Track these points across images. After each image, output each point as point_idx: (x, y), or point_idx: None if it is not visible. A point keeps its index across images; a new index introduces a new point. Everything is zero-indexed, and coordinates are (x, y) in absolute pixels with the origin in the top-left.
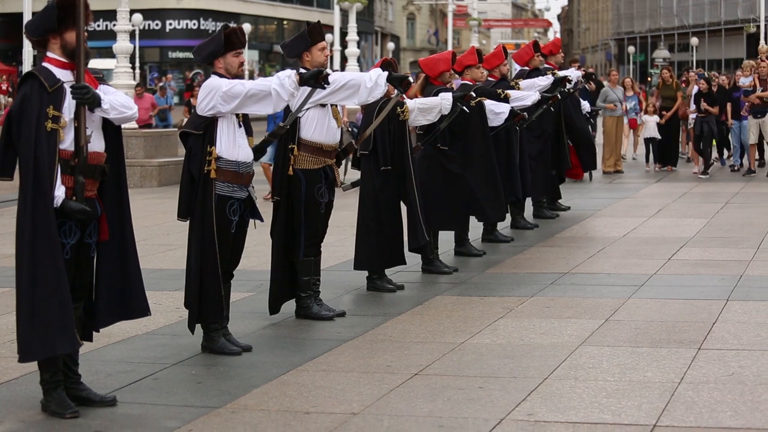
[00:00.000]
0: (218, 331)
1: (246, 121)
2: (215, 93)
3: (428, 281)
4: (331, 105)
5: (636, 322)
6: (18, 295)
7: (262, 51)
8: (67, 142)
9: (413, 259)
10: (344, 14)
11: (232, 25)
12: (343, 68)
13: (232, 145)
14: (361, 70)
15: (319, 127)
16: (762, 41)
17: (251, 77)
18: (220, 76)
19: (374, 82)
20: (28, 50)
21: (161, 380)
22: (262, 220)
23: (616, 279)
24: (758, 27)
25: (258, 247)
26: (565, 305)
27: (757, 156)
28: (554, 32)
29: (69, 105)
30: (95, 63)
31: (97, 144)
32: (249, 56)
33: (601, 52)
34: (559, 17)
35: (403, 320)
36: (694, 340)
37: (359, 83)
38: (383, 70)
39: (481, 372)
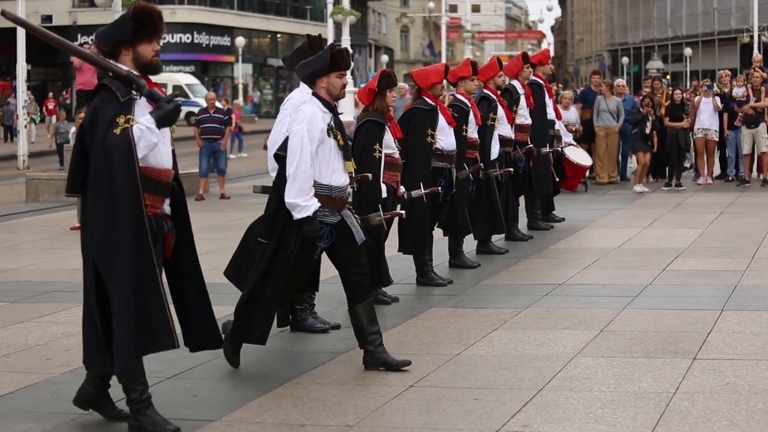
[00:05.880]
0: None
1: (345, 145)
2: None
3: (423, 293)
4: None
5: (631, 332)
6: (117, 302)
7: (255, 64)
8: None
9: (408, 272)
10: (338, 27)
11: (320, 41)
12: None
13: (326, 168)
14: (356, 84)
15: None
16: (755, 51)
17: (245, 91)
18: (319, 97)
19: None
20: (21, 65)
21: (157, 393)
22: (363, 240)
23: (610, 290)
24: (752, 37)
25: None
26: (559, 316)
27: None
28: (548, 44)
29: (140, 115)
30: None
31: (166, 159)
32: (243, 69)
33: (594, 63)
34: (552, 29)
35: (398, 332)
36: (689, 351)
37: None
38: (382, 84)
39: (476, 383)
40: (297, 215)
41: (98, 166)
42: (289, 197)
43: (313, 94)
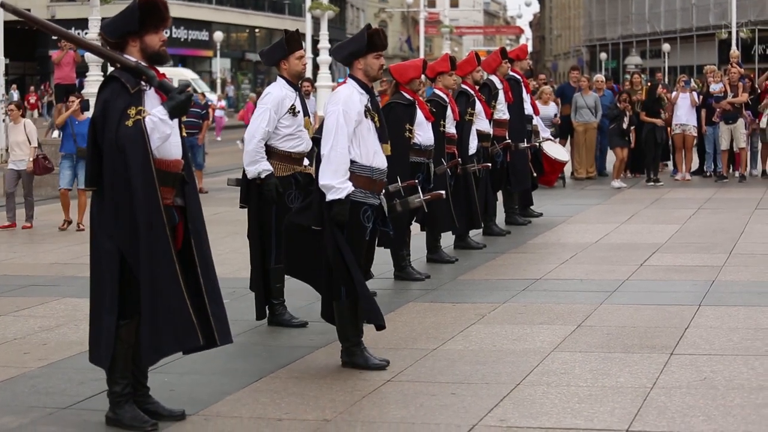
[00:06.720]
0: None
1: (382, 127)
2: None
3: (400, 288)
4: (304, 115)
5: (608, 327)
6: (142, 299)
7: (234, 59)
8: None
9: (385, 266)
10: (316, 22)
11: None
12: (314, 76)
13: (365, 150)
14: (334, 78)
15: (290, 136)
16: (733, 47)
17: (223, 85)
18: (356, 79)
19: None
20: None
21: None
22: (392, 233)
23: (588, 285)
24: (730, 33)
25: (231, 255)
26: (537, 311)
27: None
28: (526, 39)
29: (150, 107)
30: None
31: (176, 150)
32: (221, 64)
33: (573, 59)
34: (531, 24)
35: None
36: (666, 346)
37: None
38: None
39: (453, 378)
40: (330, 196)
41: (112, 160)
42: (324, 178)
43: (350, 75)
